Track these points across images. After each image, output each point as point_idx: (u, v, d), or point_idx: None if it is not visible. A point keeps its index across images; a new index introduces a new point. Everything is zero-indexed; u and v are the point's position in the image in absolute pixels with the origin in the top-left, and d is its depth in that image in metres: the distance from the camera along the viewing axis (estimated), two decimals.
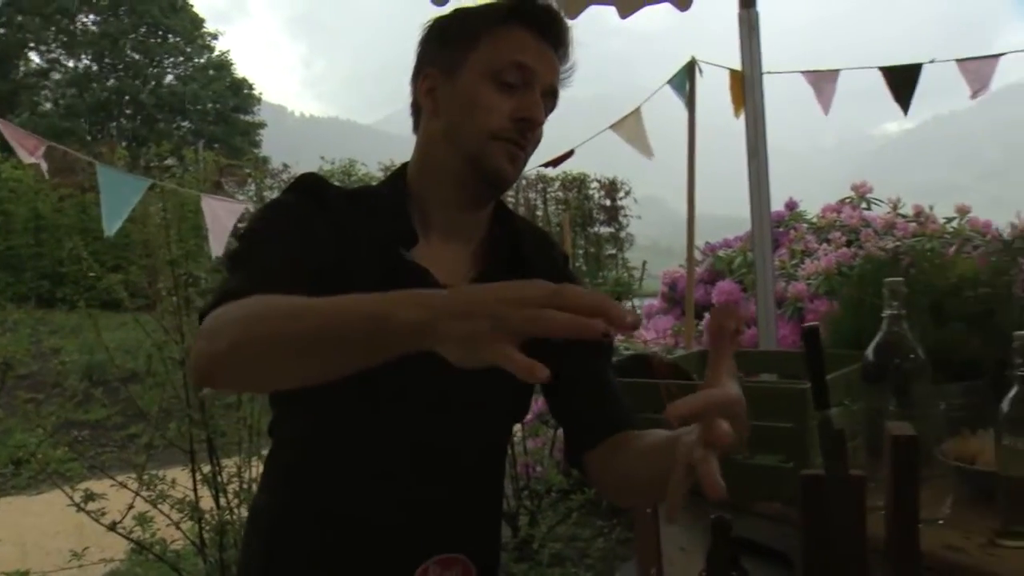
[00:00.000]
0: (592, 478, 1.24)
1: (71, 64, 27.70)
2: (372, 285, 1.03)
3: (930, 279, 1.71)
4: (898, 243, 3.84)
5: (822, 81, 3.29)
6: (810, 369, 1.09)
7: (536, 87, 1.19)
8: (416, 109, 1.26)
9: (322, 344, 0.87)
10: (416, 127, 1.27)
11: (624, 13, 2.93)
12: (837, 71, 3.27)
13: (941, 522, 1.24)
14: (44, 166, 3.16)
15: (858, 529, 1.05)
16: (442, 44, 1.23)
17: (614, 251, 13.10)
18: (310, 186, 1.20)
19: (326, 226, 1.14)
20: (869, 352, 1.38)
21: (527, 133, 1.18)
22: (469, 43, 1.20)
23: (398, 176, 1.27)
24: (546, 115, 1.22)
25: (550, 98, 1.22)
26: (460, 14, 1.24)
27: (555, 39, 1.22)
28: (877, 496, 1.12)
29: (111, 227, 2.98)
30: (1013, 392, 1.17)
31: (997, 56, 2.90)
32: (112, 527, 3.36)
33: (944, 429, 1.30)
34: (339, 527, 1.16)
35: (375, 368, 0.89)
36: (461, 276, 1.21)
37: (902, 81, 2.89)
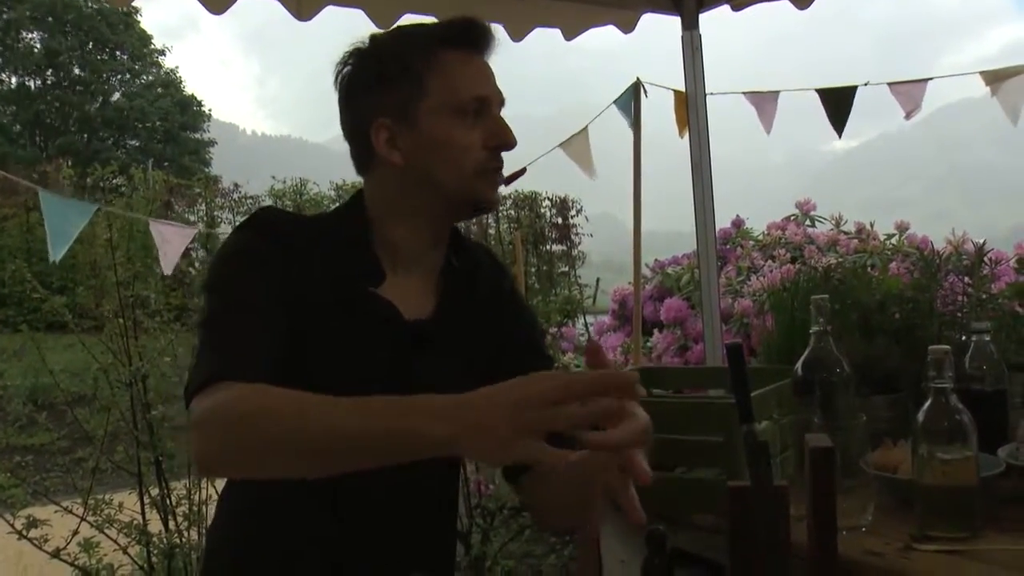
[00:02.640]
0: (526, 498, 1.29)
1: (13, 81, 27.14)
2: (340, 321, 1.15)
3: (858, 295, 1.77)
4: (840, 259, 3.94)
5: (763, 102, 3.38)
6: (733, 384, 1.14)
7: (495, 107, 1.22)
8: (363, 154, 1.24)
9: (336, 455, 0.93)
10: (364, 170, 1.25)
11: (569, 35, 2.98)
12: (777, 92, 3.36)
13: (864, 529, 1.29)
14: None
15: (783, 537, 1.09)
16: (382, 90, 1.19)
17: (566, 269, 13.18)
18: (270, 225, 1.19)
19: (292, 266, 1.15)
20: (798, 367, 1.44)
21: (501, 154, 1.22)
22: (414, 86, 1.18)
23: (357, 208, 1.25)
24: None
25: (502, 107, 1.24)
26: (388, 51, 1.21)
27: (487, 46, 1.23)
28: (804, 505, 1.17)
29: (57, 253, 2.93)
30: (927, 404, 1.23)
31: (925, 80, 3.01)
32: (56, 554, 3.29)
33: (866, 440, 1.36)
34: (305, 559, 1.18)
35: None
36: (423, 309, 1.23)
37: (838, 103, 2.99)
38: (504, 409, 0.82)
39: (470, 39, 1.21)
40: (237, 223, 1.29)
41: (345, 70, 1.24)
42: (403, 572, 1.21)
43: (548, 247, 13.12)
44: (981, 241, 2.14)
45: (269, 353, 1.08)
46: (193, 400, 1.03)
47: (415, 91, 1.18)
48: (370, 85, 1.21)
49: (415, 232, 1.23)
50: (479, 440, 0.84)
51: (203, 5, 2.26)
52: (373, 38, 1.25)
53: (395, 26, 1.29)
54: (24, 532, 3.24)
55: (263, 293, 1.12)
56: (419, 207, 1.21)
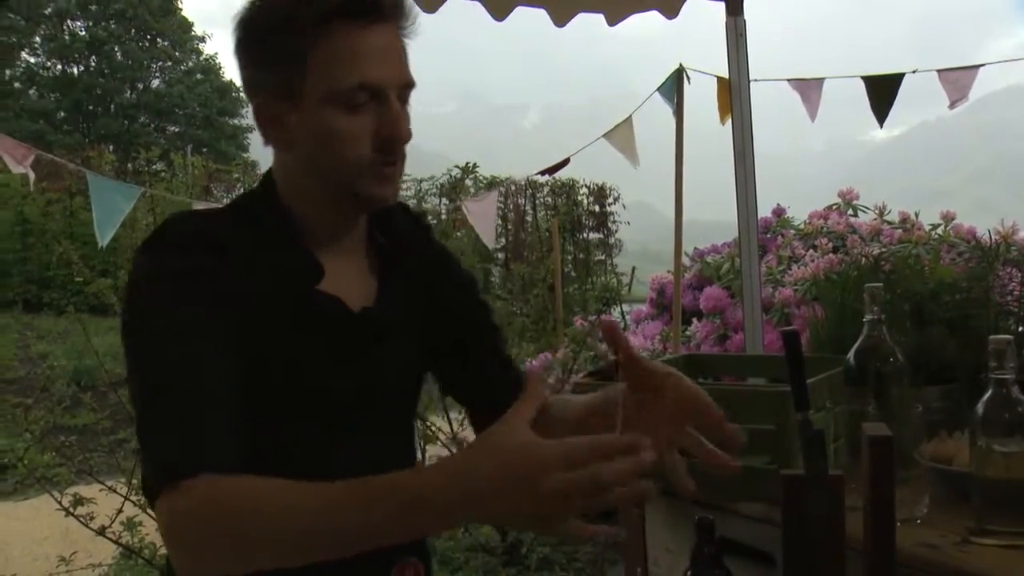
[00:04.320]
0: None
1: (59, 68, 27.59)
2: (292, 330, 1.07)
3: (910, 285, 1.74)
4: (883, 249, 3.88)
5: (808, 89, 3.33)
6: (790, 371, 1.12)
7: (391, 95, 1.07)
8: (260, 128, 1.11)
9: (341, 550, 0.85)
10: (267, 141, 1.12)
11: (613, 20, 2.96)
12: (822, 79, 3.30)
13: (919, 521, 1.27)
14: (31, 175, 3.15)
15: (837, 528, 1.08)
16: (265, 63, 1.07)
17: (603, 257, 13.14)
18: (191, 240, 1.04)
19: (228, 282, 1.02)
20: (850, 356, 1.42)
21: (396, 149, 1.08)
22: (296, 65, 1.04)
23: (271, 194, 1.13)
24: (405, 102, 1.11)
25: (407, 89, 1.10)
26: (273, 18, 1.06)
27: (391, 15, 1.07)
28: (857, 496, 1.15)
29: (104, 236, 2.98)
30: (987, 395, 1.20)
31: (976, 67, 2.94)
32: (101, 532, 3.37)
33: (922, 431, 1.33)
34: None
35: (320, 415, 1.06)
36: (366, 296, 1.16)
37: (883, 91, 2.93)
38: (525, 516, 0.80)
39: (365, 7, 1.04)
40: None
41: (236, 31, 1.10)
42: (400, 557, 1.17)
43: (585, 235, 13.08)
44: None
45: (235, 413, 0.96)
46: (160, 499, 0.90)
47: (298, 70, 1.04)
48: (253, 56, 1.08)
49: (326, 216, 1.12)
50: (504, 519, 0.87)
51: None
52: None
53: None
54: (71, 509, 3.31)
55: (209, 334, 0.98)
56: (318, 196, 1.11)
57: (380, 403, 1.18)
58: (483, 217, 3.65)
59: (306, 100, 1.05)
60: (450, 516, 0.83)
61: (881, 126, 3.10)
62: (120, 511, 3.43)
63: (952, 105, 2.98)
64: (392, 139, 1.07)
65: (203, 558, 0.88)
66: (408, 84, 1.09)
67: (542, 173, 3.71)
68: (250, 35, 1.08)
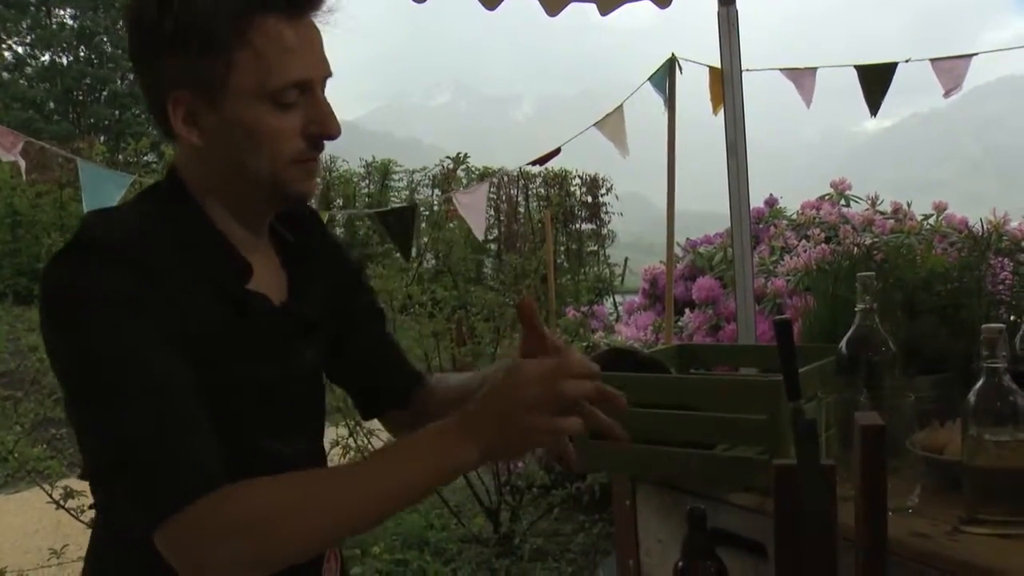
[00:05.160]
0: (395, 429, 1.36)
1: (45, 58, 27.40)
2: (223, 325, 1.04)
3: (902, 274, 1.74)
4: (876, 239, 3.89)
5: (801, 78, 3.32)
6: (782, 360, 1.12)
7: (318, 89, 1.05)
8: (162, 123, 1.05)
9: (377, 520, 0.99)
10: (169, 138, 1.06)
11: (604, 10, 2.94)
12: (815, 69, 3.30)
13: (910, 510, 1.26)
14: (21, 163, 3.12)
15: (829, 517, 1.07)
16: (181, 56, 0.99)
17: (596, 248, 13.14)
18: (119, 249, 0.98)
19: (167, 295, 0.98)
20: (842, 345, 1.42)
21: (323, 145, 1.07)
22: (220, 58, 0.99)
23: (181, 191, 1.07)
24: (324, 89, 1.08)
25: (326, 80, 1.07)
26: (189, 14, 0.98)
27: (314, 2, 1.04)
28: (849, 485, 1.15)
29: None
30: (979, 384, 1.19)
31: (970, 56, 2.93)
32: (92, 524, 3.35)
33: (914, 420, 1.33)
34: None
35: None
36: (280, 291, 1.14)
37: (876, 80, 2.92)
38: (519, 425, 0.92)
39: (294, 1, 1.01)
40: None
41: (139, 15, 1.01)
42: None
43: (578, 226, 13.08)
44: None
45: (208, 421, 0.96)
46: (167, 526, 0.89)
47: (220, 65, 0.99)
48: (166, 46, 1.00)
49: (245, 213, 1.09)
50: (504, 455, 0.99)
51: None
52: None
53: None
54: (62, 502, 3.30)
55: (165, 351, 0.95)
56: (237, 196, 1.07)
57: (311, 396, 1.20)
58: (474, 209, 3.64)
59: (228, 102, 1.00)
60: (474, 448, 0.93)
61: (874, 115, 3.10)
62: None
63: (947, 94, 2.97)
64: (323, 136, 1.05)
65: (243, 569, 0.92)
66: (329, 74, 1.07)
67: (533, 163, 3.70)
68: (163, 23, 0.98)
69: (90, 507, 3.33)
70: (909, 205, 4.56)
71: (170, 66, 1.00)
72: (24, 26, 26.84)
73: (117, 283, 0.95)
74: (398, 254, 4.23)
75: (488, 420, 0.93)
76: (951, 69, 2.93)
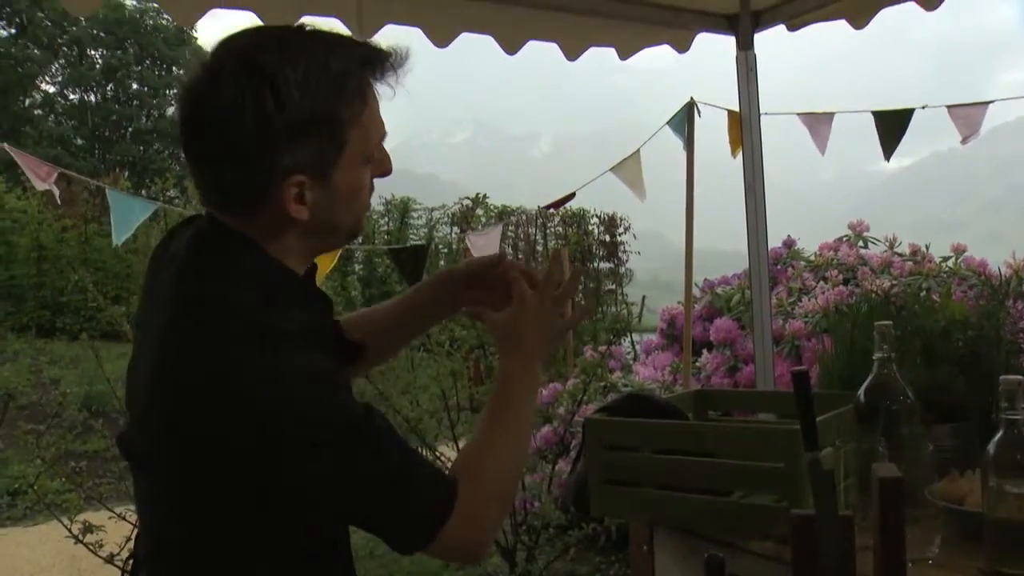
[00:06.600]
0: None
1: (74, 97, 27.95)
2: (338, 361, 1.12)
3: (921, 322, 1.74)
4: (894, 282, 3.88)
5: (817, 123, 3.35)
6: (799, 411, 1.12)
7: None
8: (252, 204, 1.03)
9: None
10: (240, 213, 1.05)
11: (624, 55, 2.99)
12: (832, 114, 3.32)
13: (930, 561, 1.26)
14: (56, 191, 3.28)
15: (848, 568, 1.07)
16: (300, 142, 0.99)
17: (613, 286, 13.13)
18: (283, 327, 1.00)
19: (326, 339, 1.11)
20: (860, 394, 1.42)
21: None
22: (335, 139, 1.01)
23: (262, 256, 1.06)
24: None
25: None
26: (308, 91, 0.98)
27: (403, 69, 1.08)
28: (868, 535, 1.15)
29: (119, 237, 3.22)
30: (999, 435, 1.20)
31: (985, 104, 2.95)
32: (109, 559, 3.35)
33: (933, 470, 1.33)
34: None
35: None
36: None
37: (892, 126, 2.94)
38: (549, 336, 1.20)
39: (392, 68, 1.06)
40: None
41: (238, 111, 0.97)
42: None
43: (596, 264, 13.09)
44: None
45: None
46: (444, 533, 1.02)
47: (335, 145, 1.02)
48: (284, 138, 0.98)
49: (306, 261, 1.13)
50: (549, 352, 1.23)
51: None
52: (275, 63, 0.98)
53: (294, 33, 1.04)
54: (80, 536, 3.31)
55: (360, 405, 1.04)
56: (308, 248, 1.11)
57: None
58: (488, 250, 3.69)
59: (338, 173, 1.03)
60: (537, 362, 1.19)
61: (888, 160, 3.11)
62: (129, 539, 3.41)
63: (964, 140, 2.99)
64: (385, 176, 1.13)
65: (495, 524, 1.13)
66: None
67: (548, 207, 3.74)
68: (276, 119, 0.97)
69: (128, 558, 3.34)
70: (928, 247, 4.55)
71: (287, 155, 0.99)
72: (55, 68, 27.43)
73: (319, 362, 1.01)
74: None
75: (539, 343, 1.18)
76: (967, 116, 2.94)
